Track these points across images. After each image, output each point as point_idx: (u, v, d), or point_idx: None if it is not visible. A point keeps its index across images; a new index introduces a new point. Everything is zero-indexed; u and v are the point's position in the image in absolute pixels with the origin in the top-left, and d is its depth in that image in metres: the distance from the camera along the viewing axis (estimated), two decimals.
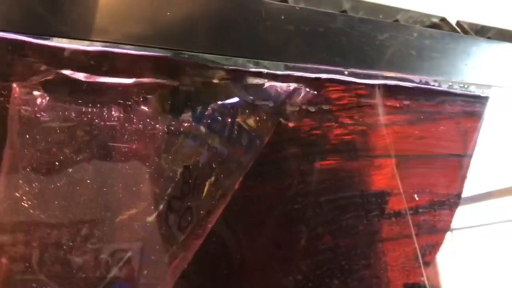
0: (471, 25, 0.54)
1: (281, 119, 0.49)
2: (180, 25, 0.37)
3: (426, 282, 0.57)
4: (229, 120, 0.46)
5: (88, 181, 0.40)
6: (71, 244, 0.40)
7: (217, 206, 0.46)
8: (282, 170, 0.53)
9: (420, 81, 0.47)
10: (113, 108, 0.41)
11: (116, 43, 0.34)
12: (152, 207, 0.43)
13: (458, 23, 0.55)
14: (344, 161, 0.56)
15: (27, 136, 0.39)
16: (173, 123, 0.43)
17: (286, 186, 0.51)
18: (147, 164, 0.43)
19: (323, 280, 0.51)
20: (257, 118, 0.48)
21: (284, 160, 0.53)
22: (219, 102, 0.45)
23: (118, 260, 0.41)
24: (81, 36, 0.34)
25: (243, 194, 0.48)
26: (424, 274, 0.56)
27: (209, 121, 0.44)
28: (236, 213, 0.48)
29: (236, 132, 0.46)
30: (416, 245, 0.57)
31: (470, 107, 0.54)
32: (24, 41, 0.36)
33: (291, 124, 0.50)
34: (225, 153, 0.46)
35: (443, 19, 0.54)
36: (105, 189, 0.41)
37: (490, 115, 0.58)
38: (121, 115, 0.41)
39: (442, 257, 0.66)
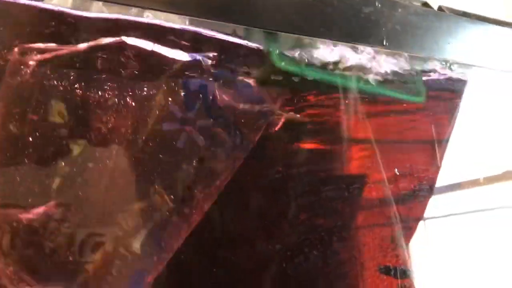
0: (453, 10, 0.55)
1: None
2: None
3: (402, 264, 0.58)
4: (231, 121, 0.46)
5: (64, 163, 0.39)
6: (44, 227, 0.38)
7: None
8: (264, 150, 0.53)
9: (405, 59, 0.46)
10: (109, 90, 0.40)
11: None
12: (135, 192, 0.42)
13: (440, 8, 0.55)
14: (324, 143, 0.56)
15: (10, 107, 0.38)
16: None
17: (268, 164, 0.51)
18: (130, 148, 0.42)
19: (301, 250, 0.50)
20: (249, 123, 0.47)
21: (266, 141, 0.53)
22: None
23: (92, 244, 0.40)
24: None
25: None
26: (400, 256, 0.57)
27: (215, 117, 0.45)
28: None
29: (235, 134, 0.47)
30: (395, 227, 0.57)
31: (450, 89, 0.55)
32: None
33: (276, 128, 0.50)
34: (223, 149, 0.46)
35: (425, 3, 0.54)
36: (82, 172, 0.40)
37: (467, 102, 0.59)
38: (116, 96, 0.40)
39: (415, 246, 0.66)
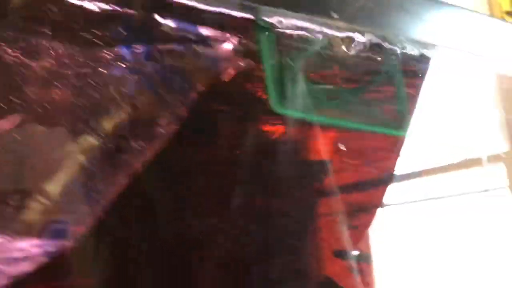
0: None
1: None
2: None
3: (356, 249, 0.57)
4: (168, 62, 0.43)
5: (18, 146, 0.38)
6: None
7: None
8: (216, 130, 0.51)
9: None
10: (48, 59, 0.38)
11: None
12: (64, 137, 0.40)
13: None
14: (280, 124, 0.54)
15: None
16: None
17: (221, 144, 0.51)
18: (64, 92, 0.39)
19: (255, 231, 0.50)
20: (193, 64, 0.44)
21: (218, 120, 0.51)
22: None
23: (51, 231, 0.39)
24: None
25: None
26: (354, 241, 0.56)
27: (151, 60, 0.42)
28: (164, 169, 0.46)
29: (171, 75, 0.44)
30: (350, 213, 0.57)
31: (412, 70, 0.53)
32: None
33: (226, 79, 0.47)
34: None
35: None
36: (35, 155, 0.39)
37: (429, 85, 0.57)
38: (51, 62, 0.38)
39: (374, 232, 0.66)
